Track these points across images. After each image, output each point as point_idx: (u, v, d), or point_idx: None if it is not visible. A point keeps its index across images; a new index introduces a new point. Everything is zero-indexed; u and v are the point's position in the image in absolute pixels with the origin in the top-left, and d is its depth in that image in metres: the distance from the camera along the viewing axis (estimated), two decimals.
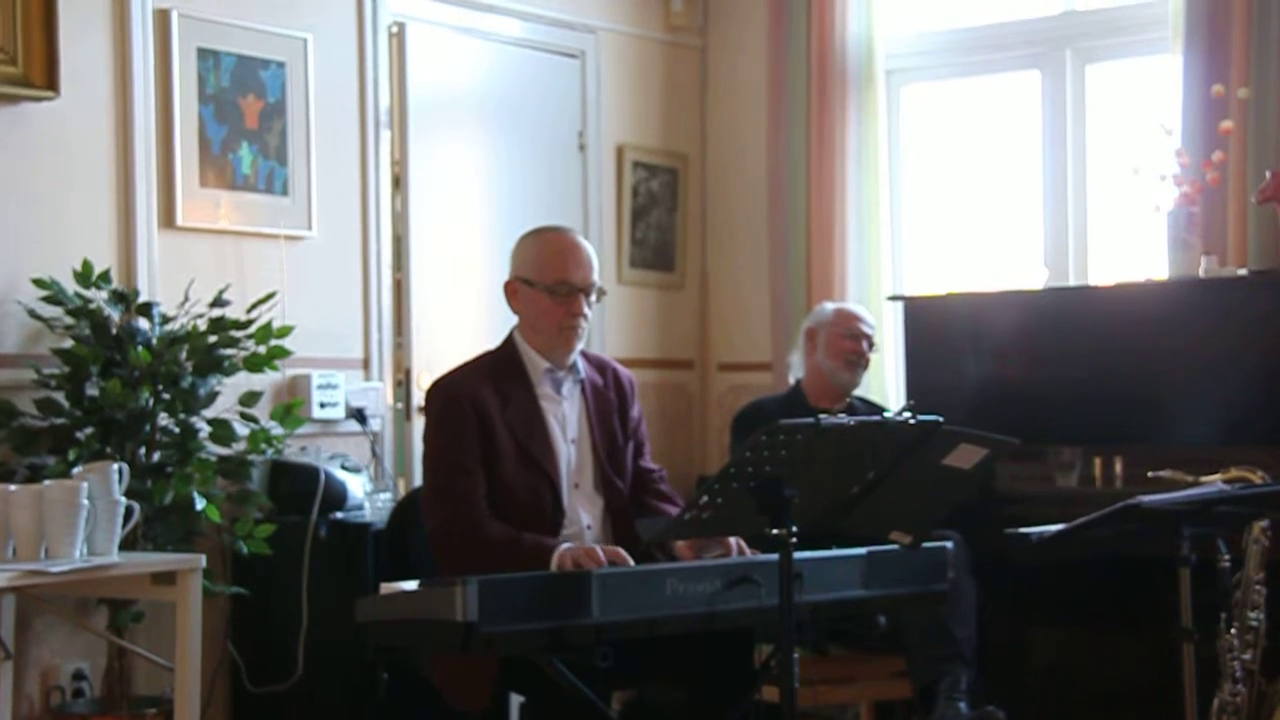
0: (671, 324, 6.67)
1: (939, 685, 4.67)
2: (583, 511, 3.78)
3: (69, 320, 4.63)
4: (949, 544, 3.80)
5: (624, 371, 3.98)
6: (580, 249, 3.79)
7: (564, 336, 3.77)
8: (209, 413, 4.74)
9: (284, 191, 5.33)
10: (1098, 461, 5.24)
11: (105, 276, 4.72)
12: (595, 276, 3.80)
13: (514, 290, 3.82)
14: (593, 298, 3.79)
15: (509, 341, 3.86)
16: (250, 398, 4.83)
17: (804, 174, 6.31)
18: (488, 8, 6.01)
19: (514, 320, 3.88)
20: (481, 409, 3.70)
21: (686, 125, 6.74)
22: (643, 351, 6.50)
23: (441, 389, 3.79)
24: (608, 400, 3.88)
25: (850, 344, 5.26)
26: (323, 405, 5.34)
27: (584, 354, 3.90)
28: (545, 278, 3.75)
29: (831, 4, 6.24)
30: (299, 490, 5.00)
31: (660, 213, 6.64)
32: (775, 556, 3.20)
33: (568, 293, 3.74)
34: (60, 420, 4.57)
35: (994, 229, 6.30)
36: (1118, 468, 5.22)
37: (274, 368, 4.87)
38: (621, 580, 3.30)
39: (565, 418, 3.81)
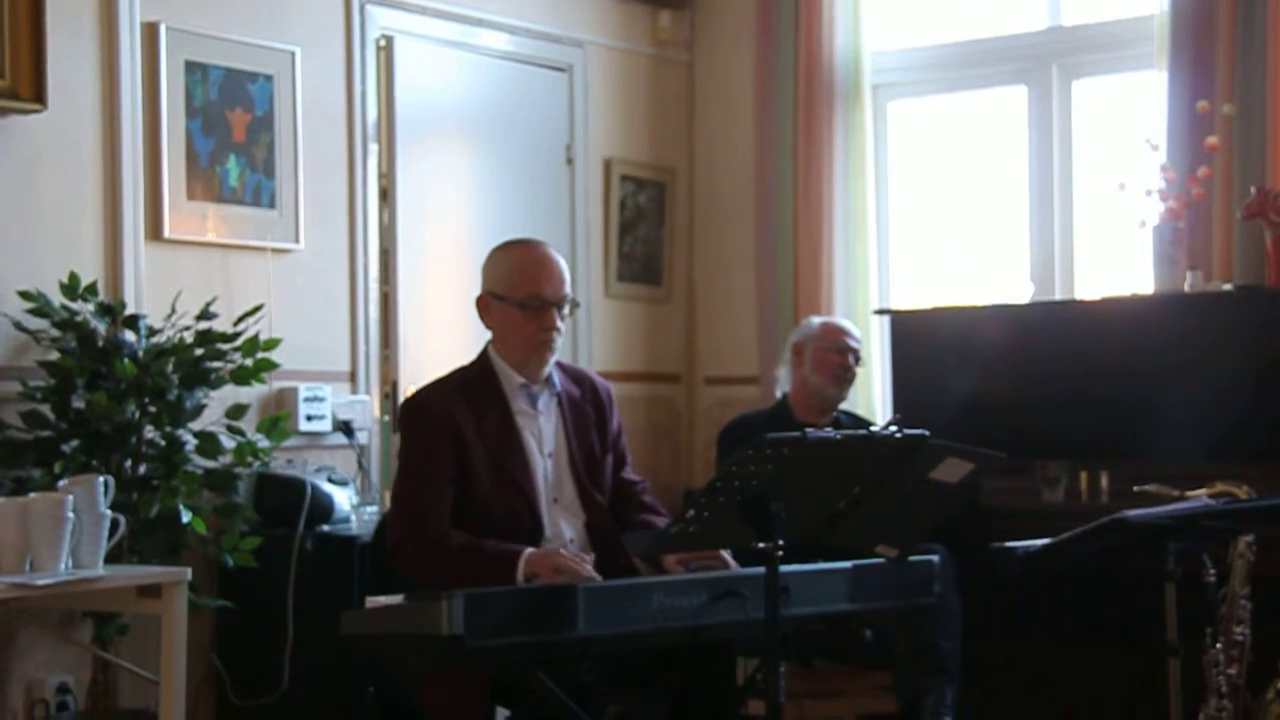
0: (658, 337, 6.68)
1: (925, 700, 4.67)
2: (565, 526, 3.76)
3: (55, 332, 4.63)
4: (935, 558, 3.81)
5: (601, 383, 3.94)
6: (552, 262, 3.75)
7: (537, 351, 3.73)
8: (195, 425, 4.73)
9: (271, 204, 5.32)
10: (1084, 476, 5.26)
11: (92, 289, 4.71)
12: (567, 289, 3.75)
13: (485, 305, 3.78)
14: (565, 310, 3.74)
15: (483, 357, 3.82)
16: (237, 410, 4.83)
17: (791, 188, 6.33)
18: (476, 21, 6.02)
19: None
20: (455, 426, 3.67)
21: (674, 139, 6.75)
22: (630, 365, 6.50)
23: (414, 405, 3.77)
24: (585, 413, 3.85)
25: (837, 358, 5.26)
26: (309, 418, 5.34)
27: (561, 366, 3.87)
28: (516, 292, 3.71)
29: (819, 19, 6.26)
30: (285, 503, 4.99)
31: (647, 226, 6.64)
32: (761, 570, 3.20)
33: (540, 306, 3.70)
34: (46, 433, 4.56)
35: (980, 243, 6.32)
36: (1104, 482, 5.23)
37: (261, 380, 4.86)
38: (608, 594, 3.29)
39: (542, 432, 3.78)
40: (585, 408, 3.86)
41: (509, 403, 3.76)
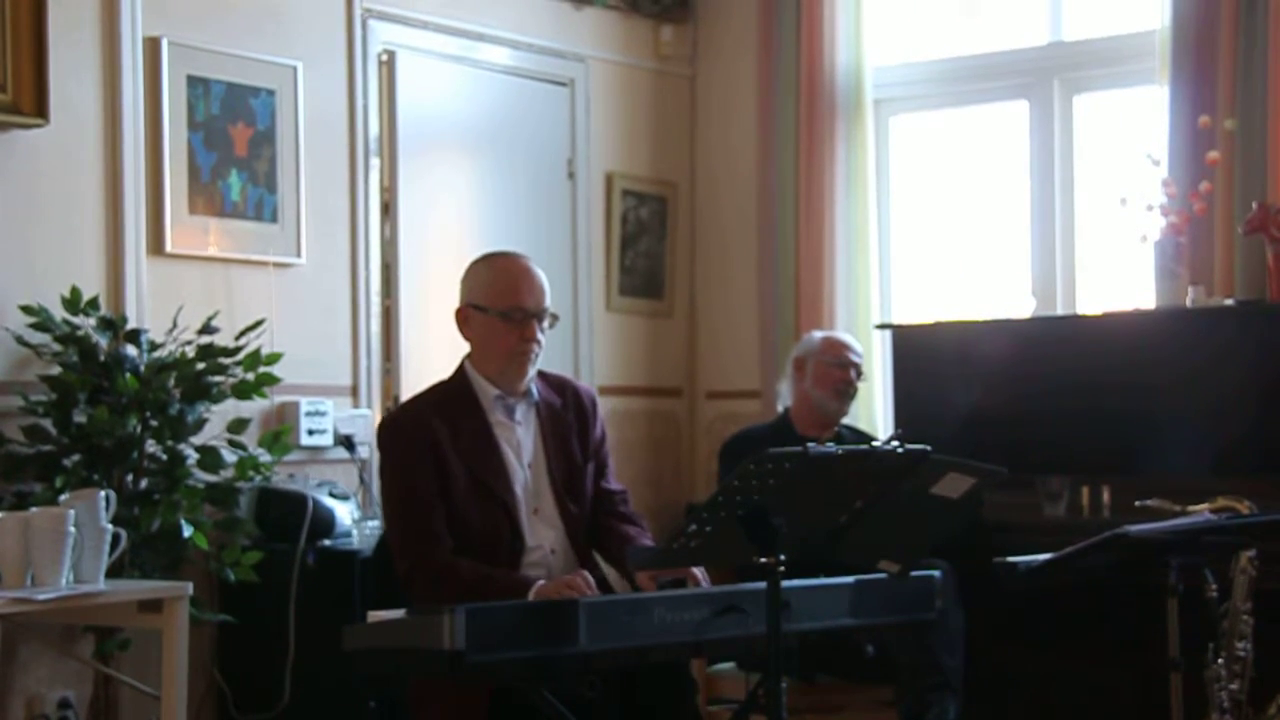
0: (660, 352, 6.68)
1: (927, 715, 4.66)
2: (545, 536, 3.74)
3: (57, 347, 4.63)
4: (937, 573, 3.80)
5: (585, 390, 3.94)
6: (532, 274, 3.76)
7: (517, 362, 3.73)
8: (197, 440, 4.73)
9: (273, 219, 5.33)
10: (1085, 491, 5.25)
11: (94, 303, 4.71)
12: (548, 302, 3.76)
13: (465, 317, 3.78)
14: (545, 323, 3.75)
15: (459, 371, 3.81)
16: (238, 425, 4.83)
17: (793, 203, 6.33)
18: (478, 36, 6.03)
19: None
20: (432, 440, 3.66)
21: (676, 153, 6.76)
22: (631, 379, 6.50)
23: (390, 424, 3.77)
24: (565, 422, 3.83)
25: (838, 373, 5.26)
26: (311, 432, 5.34)
27: (543, 375, 3.85)
28: (498, 303, 3.72)
29: (821, 34, 6.27)
30: (286, 517, 4.99)
31: (649, 241, 6.65)
32: (763, 585, 3.20)
33: (521, 318, 3.70)
34: (47, 447, 4.56)
35: (982, 258, 6.32)
36: (1105, 497, 5.23)
37: (262, 395, 4.86)
38: (609, 608, 3.28)
39: (520, 443, 3.76)
40: (566, 416, 3.84)
41: (486, 415, 3.75)
